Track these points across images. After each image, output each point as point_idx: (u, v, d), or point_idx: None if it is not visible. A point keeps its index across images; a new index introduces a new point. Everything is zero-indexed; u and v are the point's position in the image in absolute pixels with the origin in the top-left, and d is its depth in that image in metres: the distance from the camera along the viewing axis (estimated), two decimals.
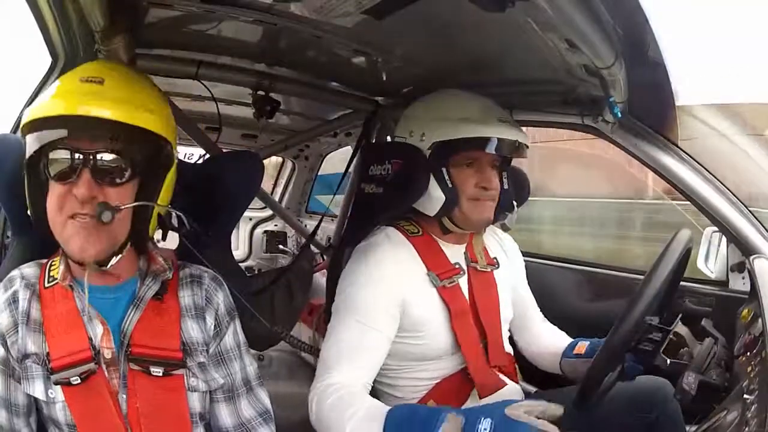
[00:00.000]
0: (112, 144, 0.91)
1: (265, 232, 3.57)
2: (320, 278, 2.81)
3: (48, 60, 1.31)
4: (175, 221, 1.06)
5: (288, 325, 2.07)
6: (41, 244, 1.12)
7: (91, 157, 0.90)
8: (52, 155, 0.91)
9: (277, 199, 3.39)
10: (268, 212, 3.50)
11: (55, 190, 0.92)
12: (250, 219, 3.55)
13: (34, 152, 0.93)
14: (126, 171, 0.94)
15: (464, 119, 1.31)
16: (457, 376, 1.34)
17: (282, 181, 3.47)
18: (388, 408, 1.01)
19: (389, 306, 1.26)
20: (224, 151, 1.88)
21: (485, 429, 0.85)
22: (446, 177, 1.31)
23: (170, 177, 1.01)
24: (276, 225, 3.59)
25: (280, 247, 3.51)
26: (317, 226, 2.20)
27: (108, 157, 0.91)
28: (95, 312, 0.98)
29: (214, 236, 1.22)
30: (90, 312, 0.98)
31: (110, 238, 0.93)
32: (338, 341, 1.23)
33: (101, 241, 0.92)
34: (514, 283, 1.54)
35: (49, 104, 0.90)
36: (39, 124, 0.91)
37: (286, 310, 2.02)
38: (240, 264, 1.21)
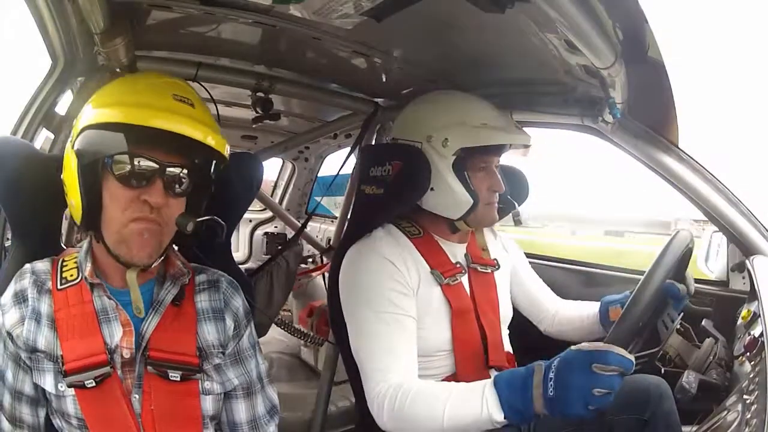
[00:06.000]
0: (187, 160, 0.96)
1: (266, 233, 3.57)
2: (319, 280, 2.82)
3: (48, 62, 1.31)
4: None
5: (267, 319, 2.07)
6: (41, 246, 1.12)
7: (167, 168, 0.94)
8: (125, 158, 0.92)
9: (276, 200, 3.39)
10: (268, 214, 3.49)
11: (121, 190, 0.93)
12: (250, 221, 3.54)
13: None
14: (189, 184, 0.98)
15: (484, 125, 1.32)
16: (450, 379, 1.33)
17: (282, 183, 3.47)
18: (480, 381, 1.07)
19: (405, 288, 1.28)
20: None
21: (552, 371, 0.97)
22: (469, 181, 1.32)
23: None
24: (276, 227, 3.59)
25: (280, 249, 3.51)
26: (305, 223, 2.22)
27: (179, 170, 0.96)
28: (122, 312, 0.99)
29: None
30: (115, 312, 0.99)
31: (160, 243, 0.97)
32: (378, 340, 1.22)
33: (153, 245, 0.96)
34: (517, 277, 1.57)
35: (146, 113, 0.90)
36: (130, 128, 0.90)
37: (267, 303, 2.04)
38: (240, 266, 1.21)
